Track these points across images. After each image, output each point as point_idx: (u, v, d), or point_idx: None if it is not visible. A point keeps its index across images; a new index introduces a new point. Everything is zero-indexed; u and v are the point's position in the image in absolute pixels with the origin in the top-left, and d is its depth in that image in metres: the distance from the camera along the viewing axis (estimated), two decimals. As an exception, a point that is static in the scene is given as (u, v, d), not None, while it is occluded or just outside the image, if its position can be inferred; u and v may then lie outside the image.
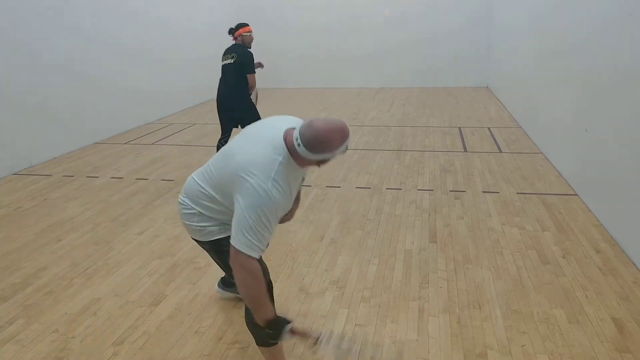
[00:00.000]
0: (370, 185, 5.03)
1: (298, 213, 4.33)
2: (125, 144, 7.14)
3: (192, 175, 2.22)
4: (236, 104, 4.80)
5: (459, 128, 7.50)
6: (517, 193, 4.64)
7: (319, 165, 1.95)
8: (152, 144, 7.12)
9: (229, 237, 1.91)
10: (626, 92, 3.56)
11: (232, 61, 4.76)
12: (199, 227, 2.19)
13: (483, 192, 4.73)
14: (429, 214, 4.24)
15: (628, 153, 3.48)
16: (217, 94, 4.94)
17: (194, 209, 2.16)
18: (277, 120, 2.09)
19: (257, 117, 4.78)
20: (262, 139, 1.96)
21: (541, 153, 5.91)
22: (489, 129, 7.37)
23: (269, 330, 1.91)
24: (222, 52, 4.90)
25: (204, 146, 6.85)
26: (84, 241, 3.93)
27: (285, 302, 2.98)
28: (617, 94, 3.73)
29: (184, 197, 2.21)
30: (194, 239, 2.30)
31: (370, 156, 6.09)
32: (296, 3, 12.13)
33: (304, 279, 3.26)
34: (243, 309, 2.90)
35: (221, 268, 2.46)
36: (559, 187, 4.75)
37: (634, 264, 3.27)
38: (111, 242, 3.90)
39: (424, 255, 3.52)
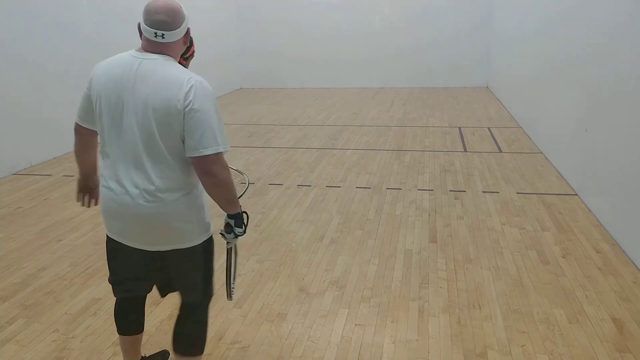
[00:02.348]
0: (370, 185, 5.04)
1: (298, 213, 4.34)
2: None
3: None
4: None
5: (459, 128, 7.51)
6: (517, 193, 4.65)
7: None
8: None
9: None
10: (626, 92, 3.56)
11: None
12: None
13: (483, 192, 4.73)
14: (429, 214, 4.24)
15: (628, 153, 3.48)
16: None
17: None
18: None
19: None
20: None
21: (541, 153, 5.91)
22: (489, 129, 7.37)
23: (244, 219, 1.97)
24: None
25: (204, 146, 6.84)
26: (84, 241, 3.93)
27: (285, 302, 2.98)
28: (618, 94, 3.73)
29: None
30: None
31: (370, 156, 6.09)
32: (296, 5, 12.13)
33: (304, 279, 3.26)
34: (243, 308, 2.91)
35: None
36: (559, 187, 4.75)
37: (634, 264, 3.27)
38: (111, 242, 3.90)
39: (424, 255, 3.52)
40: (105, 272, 3.40)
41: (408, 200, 4.59)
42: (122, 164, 1.85)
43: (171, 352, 2.22)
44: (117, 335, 2.71)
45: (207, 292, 2.12)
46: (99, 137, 1.98)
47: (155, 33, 1.80)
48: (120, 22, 7.79)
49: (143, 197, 1.83)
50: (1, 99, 5.66)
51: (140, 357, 2.32)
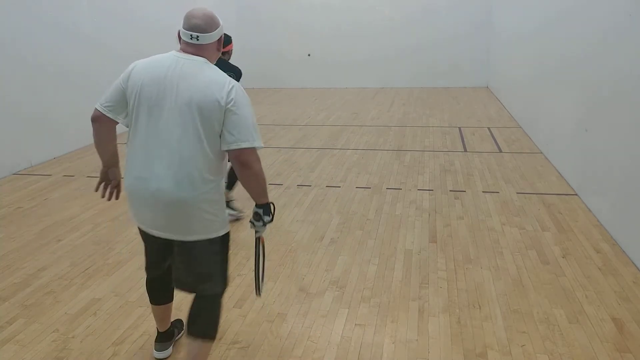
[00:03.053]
0: (370, 185, 5.04)
1: (298, 213, 4.34)
2: (125, 144, 7.13)
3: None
4: None
5: (459, 128, 7.51)
6: (517, 193, 4.65)
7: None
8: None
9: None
10: (626, 92, 3.56)
11: None
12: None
13: (483, 192, 4.73)
14: (429, 214, 4.24)
15: (628, 153, 3.48)
16: None
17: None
18: None
19: None
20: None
21: (541, 153, 5.91)
22: (489, 129, 7.37)
23: (272, 209, 2.19)
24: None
25: (204, 146, 6.84)
26: (84, 241, 3.93)
27: (285, 302, 2.98)
28: (617, 94, 3.73)
29: None
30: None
31: (370, 156, 6.09)
32: (296, 5, 12.13)
33: (304, 279, 3.26)
34: (243, 308, 2.91)
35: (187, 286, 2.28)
36: (559, 187, 4.75)
37: (634, 264, 3.27)
38: (111, 242, 3.90)
39: (424, 255, 3.52)
40: (105, 272, 3.42)
41: (408, 200, 4.59)
42: (157, 155, 1.97)
43: (185, 331, 2.35)
44: (117, 335, 2.73)
45: (224, 283, 2.25)
46: (129, 130, 2.07)
47: (191, 35, 2.03)
48: (120, 22, 7.81)
49: (179, 184, 1.96)
50: (1, 99, 5.66)
51: (170, 325, 2.55)
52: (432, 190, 4.84)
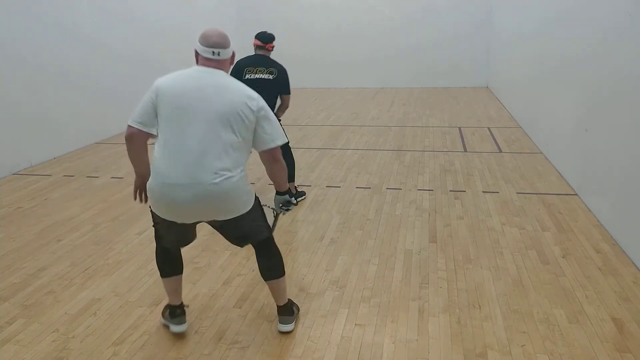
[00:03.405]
0: (370, 185, 5.04)
1: (298, 213, 4.34)
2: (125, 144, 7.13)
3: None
4: None
5: (459, 128, 7.51)
6: (517, 193, 4.65)
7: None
8: (152, 144, 7.10)
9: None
10: (626, 92, 3.56)
11: (271, 77, 4.18)
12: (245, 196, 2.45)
13: (483, 192, 4.73)
14: (429, 214, 4.24)
15: (628, 153, 3.48)
16: None
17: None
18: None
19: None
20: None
21: (541, 153, 5.91)
22: (489, 129, 7.37)
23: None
24: (247, 64, 4.28)
25: (204, 146, 6.84)
26: (84, 241, 3.93)
27: (285, 302, 2.98)
28: (617, 94, 3.73)
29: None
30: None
31: (370, 156, 6.09)
32: (296, 5, 12.13)
33: (304, 279, 3.26)
34: (243, 308, 2.91)
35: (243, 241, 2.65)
36: (559, 187, 4.75)
37: (634, 264, 3.27)
38: (111, 242, 3.90)
39: (424, 255, 3.52)
40: (105, 272, 3.42)
41: (408, 200, 4.59)
42: (191, 156, 2.23)
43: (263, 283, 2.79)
44: (117, 335, 2.73)
45: (269, 228, 2.64)
46: (159, 139, 2.32)
47: (213, 52, 2.33)
48: (120, 22, 7.81)
49: (217, 178, 2.24)
50: (1, 99, 5.66)
51: (181, 300, 2.75)
52: (432, 190, 4.84)
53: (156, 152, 2.32)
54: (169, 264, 2.66)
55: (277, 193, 2.67)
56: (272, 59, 4.38)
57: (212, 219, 2.41)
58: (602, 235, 3.70)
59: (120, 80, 7.76)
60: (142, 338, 2.69)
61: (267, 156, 2.42)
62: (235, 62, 3.79)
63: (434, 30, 11.52)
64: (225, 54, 2.37)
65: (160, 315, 2.83)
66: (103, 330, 2.76)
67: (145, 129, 2.32)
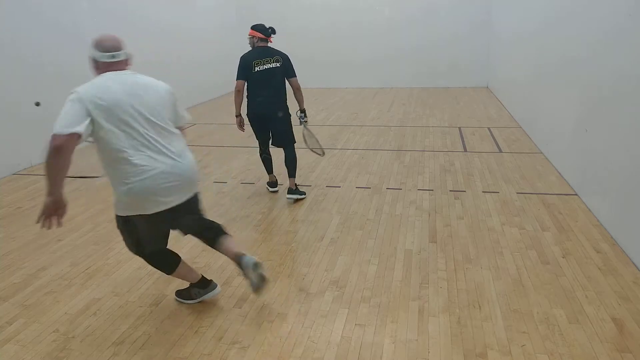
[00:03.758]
0: (370, 185, 5.04)
1: (298, 213, 4.34)
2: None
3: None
4: (283, 110, 4.52)
5: (459, 128, 7.51)
6: (517, 193, 4.65)
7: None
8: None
9: None
10: (626, 92, 3.56)
11: (278, 65, 4.47)
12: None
13: (483, 192, 4.73)
14: (429, 214, 4.24)
15: (628, 153, 3.48)
16: (258, 102, 4.44)
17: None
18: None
19: (291, 127, 4.64)
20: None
21: (541, 153, 5.91)
22: (489, 129, 7.37)
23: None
24: (254, 57, 4.44)
25: (204, 146, 6.85)
26: (84, 241, 3.93)
27: (285, 302, 2.98)
28: (618, 94, 3.73)
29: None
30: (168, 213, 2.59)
31: (370, 156, 6.09)
32: (296, 5, 12.12)
33: (304, 279, 3.26)
34: (243, 308, 2.91)
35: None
36: (559, 187, 4.75)
37: (634, 264, 3.27)
38: (111, 242, 3.90)
39: (424, 255, 3.52)
40: (105, 272, 3.42)
41: (408, 200, 4.59)
42: (152, 148, 2.42)
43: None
44: (117, 335, 2.73)
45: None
46: (117, 142, 2.37)
47: (113, 55, 2.49)
48: (120, 22, 7.80)
49: (178, 159, 2.50)
50: (1, 99, 5.66)
51: (200, 274, 2.98)
52: (432, 190, 4.84)
53: (126, 158, 2.37)
54: (163, 259, 2.83)
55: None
56: (274, 49, 4.60)
57: (183, 198, 2.59)
58: (602, 235, 3.70)
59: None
60: (142, 338, 2.69)
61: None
62: (241, 57, 4.46)
63: (434, 30, 11.52)
64: (123, 55, 2.54)
65: (183, 299, 3.00)
66: (103, 330, 2.76)
67: (87, 138, 2.32)
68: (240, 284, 3.19)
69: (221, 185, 5.18)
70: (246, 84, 4.43)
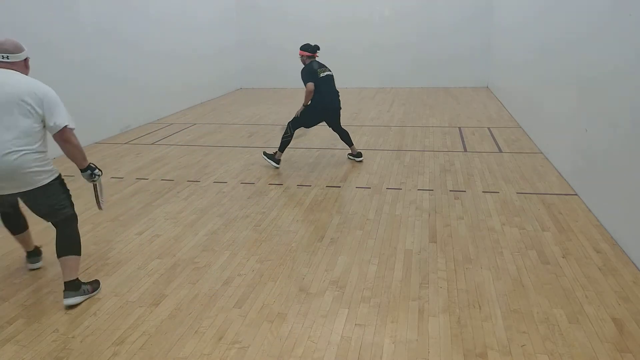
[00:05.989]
0: (370, 185, 5.04)
1: (298, 213, 4.34)
2: (125, 144, 7.14)
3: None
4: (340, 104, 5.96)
5: (459, 128, 7.51)
6: (517, 193, 4.65)
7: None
8: (152, 144, 7.12)
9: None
10: (626, 92, 3.56)
11: (332, 73, 5.98)
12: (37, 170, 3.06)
13: (483, 192, 4.73)
14: (429, 214, 4.24)
15: (628, 153, 3.48)
16: (329, 99, 5.79)
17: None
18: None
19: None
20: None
21: (541, 153, 5.91)
22: (489, 129, 7.37)
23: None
24: (317, 67, 5.83)
25: (204, 146, 6.85)
26: (84, 241, 3.91)
27: (285, 302, 2.98)
28: (618, 94, 3.73)
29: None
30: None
31: (370, 156, 6.09)
32: (296, 3, 12.13)
33: (304, 279, 3.26)
34: (243, 308, 2.91)
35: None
36: (559, 187, 4.75)
37: (634, 264, 3.27)
38: (111, 242, 3.90)
39: (424, 255, 3.52)
40: (105, 272, 3.42)
41: (408, 200, 4.59)
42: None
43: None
44: (117, 335, 2.73)
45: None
46: None
47: (2, 56, 2.89)
48: (120, 21, 7.80)
49: (14, 154, 2.91)
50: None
51: (34, 247, 3.55)
52: (432, 190, 4.84)
53: None
54: (8, 222, 3.39)
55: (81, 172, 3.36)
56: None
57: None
58: (602, 235, 3.70)
59: (120, 81, 7.77)
60: (142, 338, 2.69)
61: (58, 137, 3.22)
62: (305, 66, 5.71)
63: (434, 30, 11.53)
64: (16, 58, 2.94)
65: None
66: (103, 330, 2.76)
67: None
68: (240, 284, 3.19)
69: (221, 185, 5.18)
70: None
